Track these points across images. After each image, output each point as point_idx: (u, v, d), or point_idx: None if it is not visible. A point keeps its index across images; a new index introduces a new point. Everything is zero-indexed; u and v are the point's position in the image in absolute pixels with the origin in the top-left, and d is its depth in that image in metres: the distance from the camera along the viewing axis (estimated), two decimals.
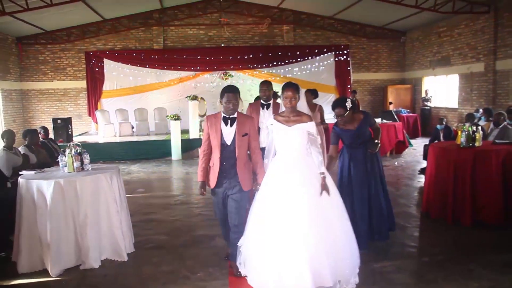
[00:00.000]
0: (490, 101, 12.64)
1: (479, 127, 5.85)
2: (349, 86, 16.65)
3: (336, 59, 16.77)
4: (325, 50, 16.67)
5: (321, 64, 16.72)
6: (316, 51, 16.64)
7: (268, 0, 15.80)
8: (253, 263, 3.90)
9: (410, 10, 13.20)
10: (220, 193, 4.19)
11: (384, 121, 12.12)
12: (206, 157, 4.25)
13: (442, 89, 15.84)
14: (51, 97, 16.11)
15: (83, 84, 15.87)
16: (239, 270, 4.08)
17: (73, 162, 4.65)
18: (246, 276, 4.00)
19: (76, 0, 11.16)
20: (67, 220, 4.37)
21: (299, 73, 16.56)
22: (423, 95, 16.33)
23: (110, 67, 15.71)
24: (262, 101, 5.85)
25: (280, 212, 3.77)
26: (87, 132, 15.55)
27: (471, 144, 5.67)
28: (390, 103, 16.92)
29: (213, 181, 4.17)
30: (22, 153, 6.70)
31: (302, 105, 4.13)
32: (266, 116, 5.60)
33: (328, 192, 3.86)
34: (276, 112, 5.18)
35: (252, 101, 8.87)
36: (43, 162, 6.82)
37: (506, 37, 12.13)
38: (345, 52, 16.78)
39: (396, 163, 10.45)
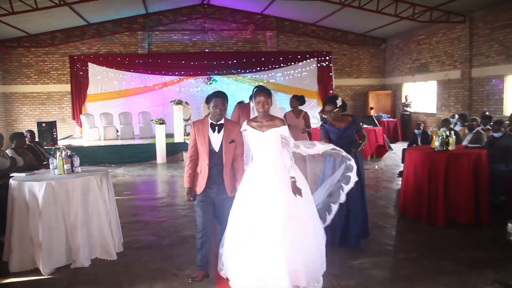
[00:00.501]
0: (467, 107, 13.08)
1: (452, 132, 6.17)
2: (331, 91, 16.95)
3: (319, 65, 17.09)
4: (307, 56, 16.98)
5: (303, 70, 17.01)
6: (299, 57, 16.92)
7: (251, 7, 16.06)
8: (233, 266, 3.95)
9: (390, 18, 13.59)
10: (206, 199, 4.16)
11: (365, 126, 12.44)
12: (193, 163, 4.19)
13: (421, 95, 16.28)
14: (35, 100, 16.08)
15: (67, 87, 15.87)
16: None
17: (63, 164, 4.80)
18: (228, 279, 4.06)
19: (61, 5, 11.21)
20: (58, 221, 4.52)
21: (282, 78, 16.83)
22: (403, 100, 16.77)
23: (94, 71, 15.76)
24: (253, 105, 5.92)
25: (256, 215, 3.83)
26: (71, 135, 15.56)
27: (444, 148, 5.99)
28: (371, 108, 17.30)
29: (200, 187, 4.14)
30: (9, 155, 6.79)
31: (274, 109, 4.12)
32: None
33: (300, 194, 3.92)
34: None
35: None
36: (30, 165, 6.92)
37: (480, 46, 12.60)
38: (327, 58, 17.11)
39: (376, 167, 10.78)
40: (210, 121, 4.12)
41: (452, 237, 5.40)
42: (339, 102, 5.04)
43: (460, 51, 13.40)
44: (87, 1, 11.21)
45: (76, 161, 4.93)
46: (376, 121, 13.79)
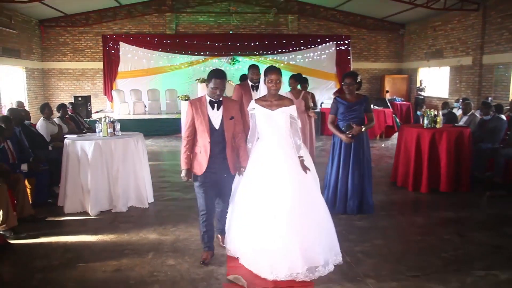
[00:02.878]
0: (476, 92, 13.69)
1: (440, 112, 7.00)
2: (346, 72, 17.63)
3: (337, 48, 17.72)
4: (327, 39, 17.64)
5: (323, 52, 17.68)
6: (319, 40, 17.59)
7: None
8: (244, 245, 4.00)
9: (407, 5, 14.18)
10: (210, 178, 4.07)
11: (376, 107, 13.26)
12: (189, 144, 4.10)
13: (435, 80, 16.87)
14: (70, 76, 17.29)
15: (99, 65, 16.97)
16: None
17: (107, 128, 5.88)
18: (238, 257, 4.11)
19: None
20: (103, 173, 5.64)
21: (302, 60, 17.55)
22: (418, 85, 17.36)
23: (125, 50, 16.77)
24: (251, 83, 5.97)
25: (266, 193, 3.87)
26: (102, 110, 16.74)
27: (432, 126, 6.84)
28: (387, 91, 17.93)
29: (201, 168, 4.04)
30: (57, 123, 7.94)
31: (281, 90, 4.21)
32: (256, 97, 5.89)
33: (309, 170, 4.09)
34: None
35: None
36: (72, 132, 8.04)
37: (492, 34, 13.13)
38: (346, 42, 17.73)
39: (383, 145, 11.65)
40: (208, 98, 4.04)
41: (430, 200, 6.33)
42: (358, 78, 5.41)
43: (473, 38, 13.92)
44: None
45: (117, 126, 6.00)
46: (388, 104, 14.57)
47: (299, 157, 4.09)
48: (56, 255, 4.41)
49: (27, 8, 13.85)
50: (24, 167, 5.59)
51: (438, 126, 6.86)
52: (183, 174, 4.10)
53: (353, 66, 17.93)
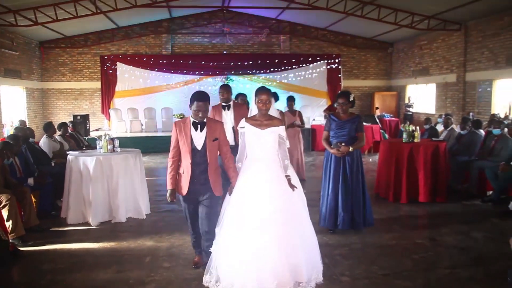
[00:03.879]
0: (460, 108, 14.27)
1: (418, 127, 7.51)
2: (339, 91, 18.19)
3: (328, 67, 18.33)
4: (318, 58, 18.25)
5: (314, 71, 18.26)
6: (310, 59, 18.19)
7: (267, 12, 17.40)
8: (231, 265, 3.88)
9: (394, 25, 14.82)
10: (192, 200, 4.16)
11: (365, 123, 13.78)
12: (175, 164, 4.16)
13: (423, 97, 17.46)
14: (69, 95, 17.80)
15: (97, 84, 17.51)
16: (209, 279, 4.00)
17: (107, 145, 6.35)
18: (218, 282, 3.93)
19: (98, 13, 12.86)
20: (103, 186, 6.09)
21: (294, 79, 18.12)
22: (406, 101, 17.93)
23: (122, 69, 17.32)
24: (222, 104, 6.06)
25: (255, 213, 3.89)
26: (100, 128, 17.20)
27: (410, 140, 7.34)
28: (377, 108, 18.51)
29: (184, 188, 4.11)
30: (59, 141, 8.40)
31: (272, 111, 4.31)
32: (228, 117, 5.99)
33: (296, 187, 4.16)
34: (238, 112, 5.89)
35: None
36: (73, 149, 8.47)
37: (473, 52, 13.78)
38: (337, 60, 18.35)
39: (370, 159, 12.14)
40: (192, 119, 4.09)
41: (408, 210, 6.80)
42: (351, 97, 5.53)
43: (456, 56, 14.55)
44: (120, 10, 12.77)
45: (116, 143, 6.47)
46: (377, 120, 15.12)
47: (286, 176, 4.16)
48: (62, 260, 4.84)
49: (28, 30, 14.37)
50: (30, 181, 6.04)
51: (416, 140, 7.35)
52: (168, 194, 4.19)
53: (344, 83, 18.53)
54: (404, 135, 7.41)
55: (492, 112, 12.48)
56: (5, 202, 5.08)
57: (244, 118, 4.25)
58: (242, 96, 7.53)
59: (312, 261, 4.06)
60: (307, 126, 14.63)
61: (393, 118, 17.39)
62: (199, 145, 4.07)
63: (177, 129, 4.12)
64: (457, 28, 14.15)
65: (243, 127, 4.20)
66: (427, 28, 14.32)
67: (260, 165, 4.09)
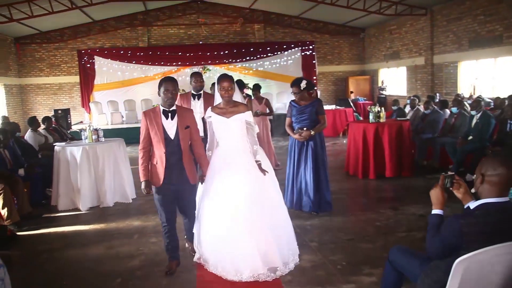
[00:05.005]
0: (429, 89, 14.90)
1: (383, 108, 8.06)
2: (314, 77, 18.66)
3: (303, 53, 18.72)
4: (292, 46, 18.61)
5: (289, 58, 18.62)
6: (285, 47, 18.53)
7: (240, 2, 17.68)
8: (210, 251, 4.06)
9: (363, 12, 15.33)
10: (166, 190, 4.02)
11: (338, 107, 14.38)
12: (146, 155, 4.06)
13: (394, 80, 18.11)
14: (48, 91, 17.89)
15: (76, 79, 17.60)
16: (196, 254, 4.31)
17: (92, 135, 6.73)
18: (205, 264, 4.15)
19: (73, 9, 13.05)
20: (90, 173, 6.50)
21: (269, 66, 18.46)
22: (379, 84, 18.56)
23: (100, 63, 17.40)
24: (193, 92, 5.83)
25: (226, 199, 3.95)
26: (81, 121, 17.39)
27: (376, 120, 7.89)
28: (351, 92, 19.10)
29: (159, 180, 3.98)
30: (43, 134, 8.72)
31: (237, 96, 4.35)
32: (197, 107, 5.66)
33: (267, 172, 4.22)
34: (208, 102, 5.49)
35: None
36: (57, 142, 8.81)
37: (439, 36, 14.40)
38: (311, 47, 18.75)
39: (344, 141, 12.68)
40: (162, 108, 3.99)
41: (375, 185, 7.38)
42: (303, 85, 5.60)
43: (424, 40, 15.17)
44: (95, 4, 12.98)
45: (101, 133, 6.86)
46: (351, 103, 15.72)
47: (256, 161, 4.20)
48: (56, 241, 5.28)
49: (3, 27, 14.38)
50: (21, 172, 6.40)
51: (381, 120, 7.91)
52: (143, 186, 4.06)
53: (318, 69, 19.01)
54: (371, 116, 7.95)
55: (458, 92, 13.16)
56: (0, 191, 5.44)
57: (210, 107, 4.30)
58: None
59: (288, 244, 4.16)
60: (282, 111, 15.12)
61: (367, 102, 18.00)
62: (171, 134, 3.95)
63: (147, 118, 3.97)
64: (423, 13, 14.73)
65: (210, 116, 4.24)
66: (395, 13, 14.87)
67: (229, 153, 4.14)
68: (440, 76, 14.61)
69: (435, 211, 2.63)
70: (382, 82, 18.41)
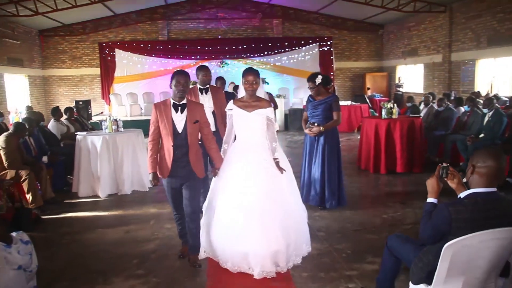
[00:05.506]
0: (446, 87, 14.87)
1: (395, 104, 8.17)
2: (331, 73, 18.74)
3: (320, 49, 18.81)
4: (310, 41, 18.70)
5: (306, 54, 18.74)
6: (302, 42, 18.62)
7: None
8: (221, 246, 4.02)
9: (381, 8, 15.35)
10: (174, 183, 4.07)
11: (353, 103, 14.48)
12: (155, 147, 4.06)
13: (412, 76, 18.07)
14: (69, 82, 18.35)
15: (97, 71, 18.01)
16: (199, 261, 4.20)
17: (112, 125, 7.01)
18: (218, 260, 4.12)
19: (96, 2, 13.36)
20: (110, 162, 6.79)
21: (287, 61, 18.62)
22: (396, 81, 18.56)
23: (120, 56, 17.78)
24: (200, 86, 5.65)
25: (241, 197, 3.92)
26: (101, 112, 17.81)
27: (388, 116, 8.01)
28: (368, 88, 19.12)
29: (166, 171, 4.02)
30: (65, 124, 9.05)
31: (261, 92, 4.27)
32: (206, 101, 5.47)
33: (285, 170, 4.16)
34: (216, 96, 5.58)
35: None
36: (77, 132, 9.14)
37: (458, 33, 14.34)
38: (329, 43, 18.81)
39: (358, 137, 12.78)
40: (172, 101, 3.99)
41: (386, 179, 7.52)
42: (318, 80, 5.57)
43: (442, 37, 15.11)
44: None
45: (120, 123, 7.13)
46: (367, 99, 15.79)
47: (275, 159, 4.14)
48: (77, 224, 5.59)
49: (28, 20, 14.85)
50: (45, 159, 6.73)
51: (393, 117, 8.03)
52: (150, 178, 4.07)
53: (336, 65, 19.06)
54: (383, 112, 8.07)
55: (475, 90, 13.13)
56: (25, 176, 5.77)
57: (232, 100, 4.26)
58: (221, 80, 7.25)
59: (297, 245, 4.11)
60: (299, 106, 15.30)
61: (383, 98, 18.01)
62: (180, 127, 3.96)
63: (157, 111, 4.00)
64: (442, 10, 14.67)
65: (231, 109, 4.18)
66: (413, 10, 14.84)
67: (247, 148, 4.10)
68: (457, 74, 14.56)
69: (430, 199, 2.79)
70: (399, 79, 18.38)
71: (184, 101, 4.00)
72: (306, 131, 5.76)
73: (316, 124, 5.62)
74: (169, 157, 3.97)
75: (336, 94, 15.52)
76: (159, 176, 4.10)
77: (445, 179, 2.83)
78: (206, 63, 18.16)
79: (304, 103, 14.14)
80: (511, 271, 2.69)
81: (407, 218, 5.46)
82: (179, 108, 3.97)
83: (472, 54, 13.64)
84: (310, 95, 5.89)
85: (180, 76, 3.94)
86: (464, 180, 2.66)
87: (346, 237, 4.86)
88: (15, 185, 5.58)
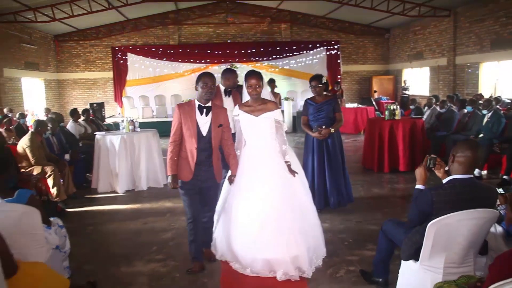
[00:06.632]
0: (451, 89, 15.17)
1: (398, 106, 8.53)
2: (338, 76, 19.13)
3: (328, 53, 19.18)
4: (318, 45, 19.11)
5: (314, 57, 19.12)
6: (310, 46, 19.05)
7: (268, 2, 18.21)
8: (238, 251, 3.97)
9: (387, 13, 15.70)
10: (193, 186, 3.95)
11: (359, 105, 14.84)
12: (176, 148, 3.94)
13: (417, 80, 18.39)
14: (83, 85, 18.91)
15: (110, 74, 18.56)
16: (214, 255, 4.27)
17: (129, 125, 7.45)
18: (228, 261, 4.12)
19: (110, 9, 13.89)
20: (127, 160, 7.23)
21: (295, 65, 19.02)
22: (403, 84, 18.86)
23: (132, 60, 18.30)
24: (226, 89, 5.45)
25: (255, 202, 3.88)
26: (114, 115, 18.30)
27: (391, 117, 8.36)
28: (375, 91, 19.46)
29: (188, 174, 3.91)
30: (83, 125, 9.51)
31: (266, 93, 4.16)
32: (228, 104, 5.27)
33: (297, 173, 4.13)
34: (235, 98, 5.32)
35: None
36: (94, 132, 9.59)
37: (462, 37, 14.65)
38: (336, 47, 19.19)
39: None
40: (197, 103, 3.90)
41: (389, 177, 7.87)
42: (324, 80, 5.59)
43: (446, 41, 15.43)
44: (130, 5, 13.78)
45: (136, 124, 7.57)
46: (373, 102, 16.14)
47: (286, 162, 4.07)
48: (98, 216, 6.03)
49: (44, 25, 15.39)
50: (67, 156, 7.18)
51: (396, 118, 8.38)
52: (169, 180, 3.93)
53: (343, 69, 19.44)
54: (386, 113, 8.43)
55: (479, 93, 13.42)
56: (50, 172, 6.21)
57: (237, 105, 4.18)
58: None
59: (316, 246, 4.08)
60: None
61: (389, 101, 18.32)
62: (204, 130, 3.88)
63: (181, 112, 3.88)
64: (447, 14, 14.99)
65: (238, 114, 4.10)
66: (418, 15, 15.19)
67: (257, 153, 4.04)
68: (462, 76, 14.86)
69: (418, 186, 3.18)
70: (405, 82, 18.68)
71: (209, 104, 3.93)
72: (315, 134, 5.58)
73: (324, 127, 5.54)
74: (192, 160, 3.88)
75: (344, 96, 15.98)
76: (180, 179, 3.96)
77: (432, 168, 3.19)
78: (216, 67, 18.68)
79: None
80: (488, 249, 3.06)
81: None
82: (204, 110, 3.89)
83: (476, 58, 13.94)
84: (308, 99, 5.81)
85: (207, 77, 3.85)
86: (446, 168, 3.04)
87: (348, 228, 5.24)
88: (41, 180, 6.02)
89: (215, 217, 4.34)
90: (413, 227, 3.09)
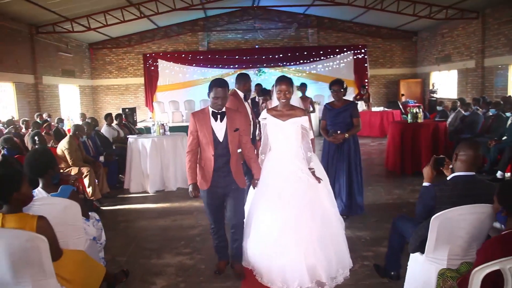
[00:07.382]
0: (480, 92, 15.04)
1: (421, 109, 8.65)
2: (366, 80, 19.15)
3: (355, 57, 19.26)
4: (345, 49, 19.21)
5: (341, 61, 19.24)
6: (337, 50, 19.17)
7: (295, 8, 18.51)
8: (258, 258, 3.96)
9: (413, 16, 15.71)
10: (214, 193, 3.95)
11: (385, 109, 14.92)
12: (194, 157, 3.94)
13: (446, 82, 18.26)
14: (116, 91, 19.61)
15: (141, 80, 19.17)
16: (244, 271, 4.11)
17: (159, 129, 7.85)
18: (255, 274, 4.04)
19: (142, 17, 14.44)
20: (157, 161, 7.64)
21: (322, 69, 19.19)
22: (430, 87, 18.75)
23: (163, 66, 18.87)
24: (244, 94, 5.65)
25: (278, 209, 3.86)
26: (145, 120, 18.90)
27: (414, 121, 8.49)
28: (403, 95, 19.39)
29: (207, 182, 3.91)
30: (116, 129, 10.00)
31: (295, 99, 4.13)
32: (248, 107, 5.57)
33: (322, 180, 4.12)
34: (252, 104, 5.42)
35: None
36: (127, 136, 10.06)
37: (491, 39, 14.54)
38: (363, 51, 19.27)
39: None
40: (211, 109, 3.87)
41: (410, 179, 8.00)
42: (344, 85, 5.61)
43: (475, 43, 15.31)
44: (161, 13, 14.30)
45: (167, 127, 7.97)
46: (400, 105, 16.17)
47: (310, 168, 4.07)
48: (130, 214, 6.45)
49: (80, 34, 16.11)
50: (101, 158, 7.64)
51: (419, 121, 8.51)
52: (190, 189, 3.95)
53: (370, 72, 19.45)
54: (409, 117, 8.57)
55: (508, 95, 13.31)
56: (86, 173, 6.65)
57: (265, 109, 4.21)
58: (259, 87, 7.77)
59: (337, 258, 3.94)
60: None
61: (416, 104, 18.26)
62: (220, 136, 3.84)
63: (195, 120, 3.87)
64: (475, 16, 14.89)
65: (265, 118, 4.12)
66: (445, 17, 15.13)
67: (282, 158, 4.04)
68: (490, 79, 14.72)
69: (425, 184, 3.38)
70: (433, 85, 18.57)
71: (223, 109, 3.89)
72: (330, 139, 5.61)
73: (339, 132, 5.54)
74: (210, 167, 3.86)
75: (370, 100, 16.06)
76: (200, 187, 3.98)
77: (441, 168, 3.40)
78: (244, 72, 18.94)
79: None
80: None
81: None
82: (219, 116, 3.86)
83: (505, 60, 13.80)
84: (327, 104, 5.88)
85: (218, 90, 3.77)
86: (450, 166, 3.25)
87: (366, 226, 5.45)
88: (78, 179, 6.45)
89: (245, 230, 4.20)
90: (420, 222, 3.30)
